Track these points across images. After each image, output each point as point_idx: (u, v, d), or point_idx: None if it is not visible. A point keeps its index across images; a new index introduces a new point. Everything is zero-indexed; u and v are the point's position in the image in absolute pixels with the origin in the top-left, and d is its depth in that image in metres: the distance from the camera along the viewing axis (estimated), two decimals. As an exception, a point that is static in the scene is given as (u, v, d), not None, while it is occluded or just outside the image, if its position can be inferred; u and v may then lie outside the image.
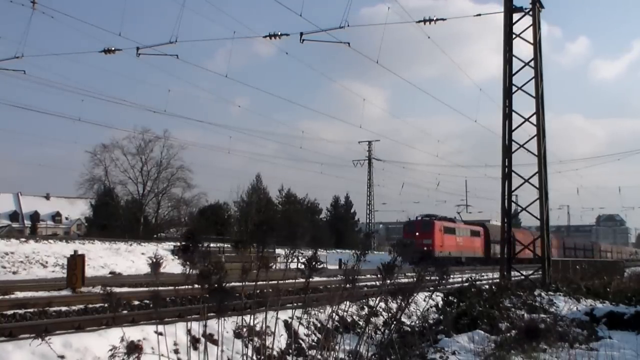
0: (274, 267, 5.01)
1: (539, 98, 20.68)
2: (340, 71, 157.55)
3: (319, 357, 5.24)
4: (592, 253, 72.46)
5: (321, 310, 5.72)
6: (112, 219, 52.83)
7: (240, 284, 4.63)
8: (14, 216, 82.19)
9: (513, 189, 20.97)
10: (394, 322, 5.85)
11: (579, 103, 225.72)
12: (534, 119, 20.72)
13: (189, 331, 6.39)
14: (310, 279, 4.92)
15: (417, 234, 42.84)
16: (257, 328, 4.89)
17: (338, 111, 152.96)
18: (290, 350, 6.98)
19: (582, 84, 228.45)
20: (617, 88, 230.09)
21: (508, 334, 9.11)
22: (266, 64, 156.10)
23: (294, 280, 5.01)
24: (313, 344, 8.26)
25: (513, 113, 20.91)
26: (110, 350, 4.08)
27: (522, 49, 21.24)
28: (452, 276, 14.92)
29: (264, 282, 4.86)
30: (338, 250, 48.31)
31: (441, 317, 11.13)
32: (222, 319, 4.59)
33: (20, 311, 11.54)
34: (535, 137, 20.69)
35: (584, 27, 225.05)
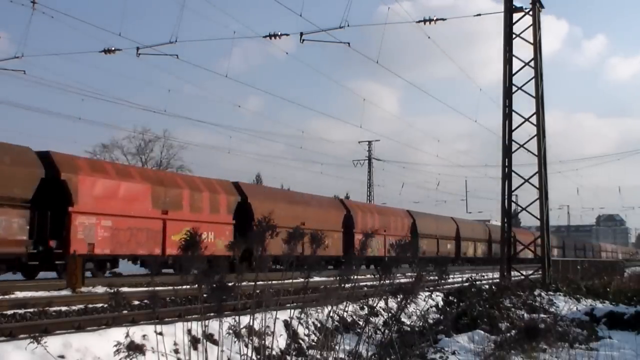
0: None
1: (539, 98, 20.70)
2: (354, 71, 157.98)
3: (318, 357, 5.24)
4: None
5: (319, 310, 5.72)
6: (112, 219, 52.61)
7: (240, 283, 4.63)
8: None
9: (513, 189, 20.97)
10: (394, 322, 5.85)
11: (592, 102, 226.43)
12: (534, 119, 20.73)
13: (189, 331, 6.39)
14: (310, 279, 4.92)
15: None
16: (256, 328, 4.89)
17: (349, 111, 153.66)
18: (290, 350, 6.99)
19: (596, 82, 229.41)
20: (632, 87, 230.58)
21: (508, 334, 9.10)
22: (281, 63, 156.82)
23: (292, 281, 5.01)
24: (313, 343, 8.27)
25: (513, 113, 20.92)
26: (115, 346, 4.10)
27: (528, 49, 21.21)
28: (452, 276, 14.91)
29: (263, 282, 4.86)
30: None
31: (441, 317, 11.12)
32: (222, 318, 4.60)
33: (20, 311, 11.54)
34: (535, 137, 20.71)
35: (602, 25, 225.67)
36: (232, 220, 26.37)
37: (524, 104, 21.45)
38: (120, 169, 23.87)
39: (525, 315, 11.84)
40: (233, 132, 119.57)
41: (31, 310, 11.73)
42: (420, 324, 10.05)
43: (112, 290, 4.46)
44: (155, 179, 24.22)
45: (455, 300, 12.31)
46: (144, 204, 22.66)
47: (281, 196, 31.86)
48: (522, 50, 21.13)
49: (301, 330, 8.57)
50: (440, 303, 12.24)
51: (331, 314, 5.36)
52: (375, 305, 6.67)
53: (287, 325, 7.11)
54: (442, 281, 5.66)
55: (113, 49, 21.69)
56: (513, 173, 20.92)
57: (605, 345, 9.22)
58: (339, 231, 32.81)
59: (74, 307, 12.49)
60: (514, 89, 21.00)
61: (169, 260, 22.90)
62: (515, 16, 21.04)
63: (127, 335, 4.19)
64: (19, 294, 14.57)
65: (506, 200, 20.92)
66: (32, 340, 4.26)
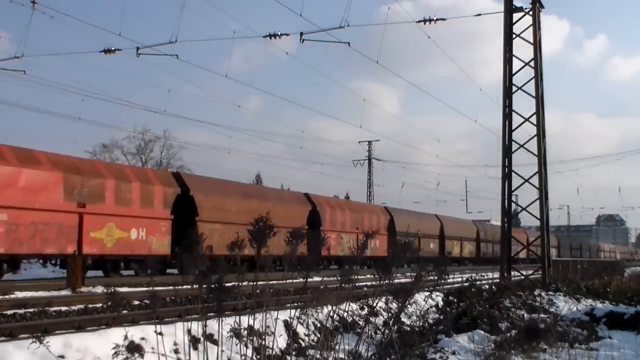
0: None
1: (539, 98, 20.71)
2: (354, 71, 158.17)
3: (318, 357, 5.25)
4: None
5: (319, 310, 5.73)
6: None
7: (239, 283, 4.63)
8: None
9: (513, 189, 20.98)
10: (394, 322, 5.86)
11: (592, 102, 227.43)
12: (534, 119, 20.74)
13: (188, 331, 6.39)
14: (310, 279, 4.92)
15: None
16: (256, 328, 4.89)
17: (349, 111, 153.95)
18: (290, 350, 6.99)
19: (597, 82, 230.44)
20: (632, 86, 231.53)
21: (508, 334, 9.11)
22: (281, 63, 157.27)
23: (292, 281, 5.01)
24: (313, 343, 8.26)
25: (513, 113, 20.93)
26: (114, 348, 4.10)
27: (529, 49, 21.21)
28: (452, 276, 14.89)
29: (263, 282, 4.87)
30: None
31: (441, 317, 11.12)
32: (222, 318, 4.60)
33: (20, 311, 11.54)
34: (535, 137, 20.72)
35: (603, 25, 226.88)
36: (170, 215, 23.70)
37: (524, 104, 21.49)
38: (22, 154, 19.62)
39: (525, 315, 11.84)
40: (233, 132, 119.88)
41: (31, 310, 11.74)
42: (420, 324, 10.05)
43: (109, 291, 4.42)
44: (69, 167, 20.75)
45: (455, 300, 12.30)
46: (53, 195, 19.55)
47: (233, 189, 28.73)
48: (522, 50, 21.18)
49: (301, 330, 8.58)
50: (440, 303, 12.24)
51: (331, 314, 5.36)
52: (375, 305, 6.67)
53: (287, 325, 7.12)
54: (442, 281, 5.66)
55: (113, 49, 21.70)
56: (513, 173, 20.93)
57: (605, 345, 9.22)
58: (302, 228, 30.91)
59: (74, 307, 12.49)
60: (514, 89, 21.02)
61: (87, 260, 20.50)
62: (515, 16, 21.06)
63: (126, 337, 4.18)
64: (19, 294, 14.58)
65: (506, 200, 20.92)
66: (34, 339, 4.26)
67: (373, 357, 6.28)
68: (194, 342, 6.48)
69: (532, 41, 20.84)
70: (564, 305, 14.59)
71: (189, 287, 4.61)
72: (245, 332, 4.95)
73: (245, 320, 4.95)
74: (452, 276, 14.72)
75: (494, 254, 54.15)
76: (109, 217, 21.19)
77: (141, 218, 22.43)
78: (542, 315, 11.32)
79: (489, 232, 55.64)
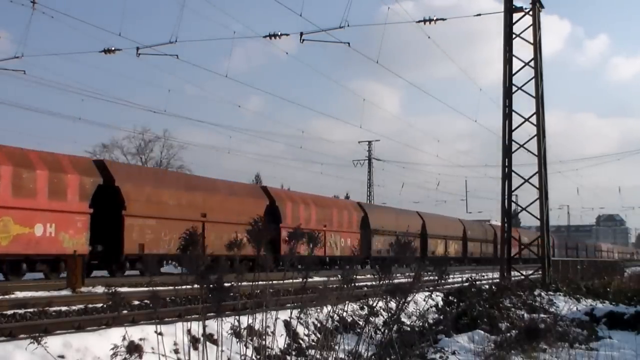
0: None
1: (539, 98, 20.73)
2: (354, 71, 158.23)
3: (318, 357, 5.25)
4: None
5: (319, 310, 5.73)
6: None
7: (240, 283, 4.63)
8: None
9: (513, 189, 20.98)
10: (394, 322, 5.85)
11: (593, 102, 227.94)
12: (534, 119, 20.75)
13: (188, 331, 6.39)
14: (309, 279, 4.92)
15: None
16: (256, 328, 4.89)
17: (349, 111, 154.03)
18: (290, 350, 6.99)
19: (597, 82, 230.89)
20: (633, 86, 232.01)
21: (508, 334, 9.11)
22: (281, 63, 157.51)
23: (292, 281, 5.01)
24: (313, 343, 8.27)
25: (513, 113, 20.95)
26: (112, 349, 4.09)
27: (529, 49, 21.22)
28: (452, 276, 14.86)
29: (264, 283, 4.87)
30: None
31: (441, 317, 11.13)
32: (221, 319, 4.60)
33: (20, 311, 11.54)
34: (535, 137, 20.73)
35: (604, 25, 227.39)
36: (89, 209, 20.60)
37: (524, 104, 21.52)
38: None
39: (525, 315, 11.85)
40: (233, 132, 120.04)
41: (31, 310, 11.73)
42: (420, 324, 10.04)
43: (110, 291, 4.40)
44: None
45: (455, 300, 12.31)
46: None
47: (171, 180, 25.74)
48: (523, 50, 21.20)
49: (301, 330, 8.58)
50: (440, 303, 12.24)
51: (331, 314, 5.36)
52: (375, 305, 6.67)
53: (287, 325, 7.12)
54: (442, 281, 5.66)
55: (113, 49, 21.70)
56: (513, 173, 20.94)
57: (605, 345, 9.22)
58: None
59: (74, 307, 12.49)
60: (514, 89, 21.03)
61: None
62: (515, 16, 21.08)
63: (124, 337, 4.17)
64: (19, 294, 14.58)
65: (506, 200, 20.93)
66: (32, 340, 4.25)
67: (373, 357, 6.28)
68: (194, 342, 6.48)
69: (532, 41, 20.86)
70: (564, 305, 14.60)
71: (189, 287, 4.61)
72: (245, 332, 4.95)
73: (245, 320, 4.94)
74: (451, 276, 14.72)
75: (482, 254, 53.18)
76: (3, 210, 18.13)
77: (49, 212, 19.34)
78: (542, 315, 11.33)
79: (478, 231, 54.36)
